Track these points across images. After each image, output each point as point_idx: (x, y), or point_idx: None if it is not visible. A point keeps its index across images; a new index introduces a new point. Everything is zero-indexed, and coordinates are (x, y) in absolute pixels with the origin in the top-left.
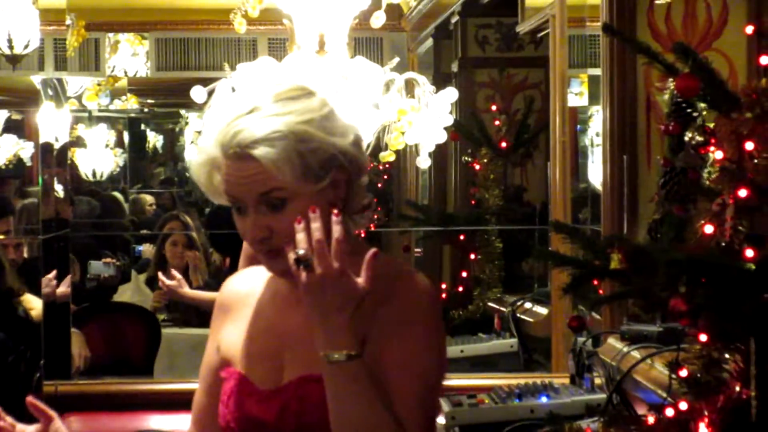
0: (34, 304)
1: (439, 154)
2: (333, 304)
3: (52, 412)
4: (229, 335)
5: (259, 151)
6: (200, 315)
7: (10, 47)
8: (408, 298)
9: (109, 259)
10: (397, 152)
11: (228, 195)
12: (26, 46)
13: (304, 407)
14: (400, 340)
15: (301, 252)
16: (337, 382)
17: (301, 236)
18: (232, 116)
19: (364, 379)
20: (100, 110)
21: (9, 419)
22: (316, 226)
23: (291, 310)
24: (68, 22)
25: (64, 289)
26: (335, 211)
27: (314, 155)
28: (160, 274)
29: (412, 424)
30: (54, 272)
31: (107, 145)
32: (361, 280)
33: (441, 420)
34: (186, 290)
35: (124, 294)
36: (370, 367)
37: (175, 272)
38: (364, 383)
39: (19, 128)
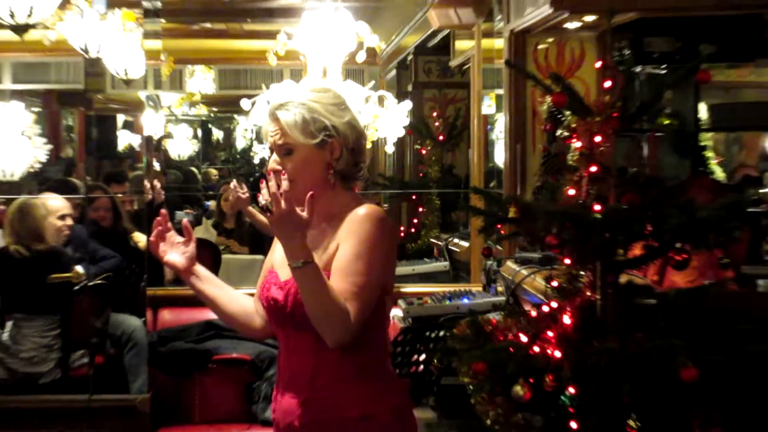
0: (140, 239)
1: (399, 143)
2: (287, 231)
3: (193, 236)
4: (276, 251)
5: (280, 114)
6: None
7: (126, 75)
8: (360, 219)
9: (188, 210)
10: (372, 142)
11: (268, 142)
12: (136, 74)
13: (297, 293)
14: (346, 246)
15: (262, 201)
16: (300, 280)
17: (264, 191)
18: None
19: (317, 277)
20: (182, 115)
21: (169, 224)
22: (272, 184)
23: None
24: (162, 57)
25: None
26: (284, 174)
27: (314, 123)
28: (233, 183)
29: (350, 307)
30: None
31: (187, 137)
32: (304, 214)
33: (400, 313)
34: (251, 208)
35: (197, 233)
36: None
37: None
38: (318, 279)
39: (131, 126)
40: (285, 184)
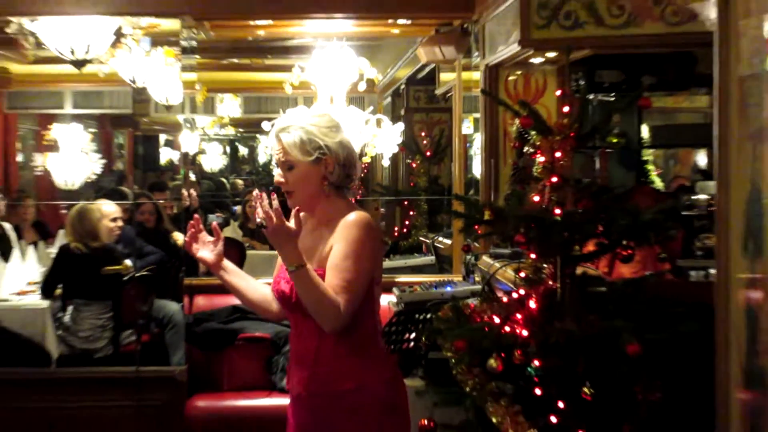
0: (179, 237)
1: (394, 158)
2: (280, 241)
3: (221, 236)
4: None
5: (282, 135)
6: (266, 243)
7: (167, 101)
8: (349, 224)
9: (218, 213)
10: (371, 157)
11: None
12: (175, 100)
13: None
14: (338, 247)
15: (258, 219)
16: (295, 280)
17: (259, 210)
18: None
19: (310, 278)
20: (214, 135)
21: (201, 227)
22: (265, 203)
23: (309, 234)
24: (197, 87)
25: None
26: (274, 195)
27: (310, 143)
28: (255, 193)
29: (341, 300)
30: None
31: (218, 153)
32: (293, 226)
33: (394, 299)
34: None
35: (226, 232)
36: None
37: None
38: (311, 280)
39: (171, 144)
40: (275, 203)
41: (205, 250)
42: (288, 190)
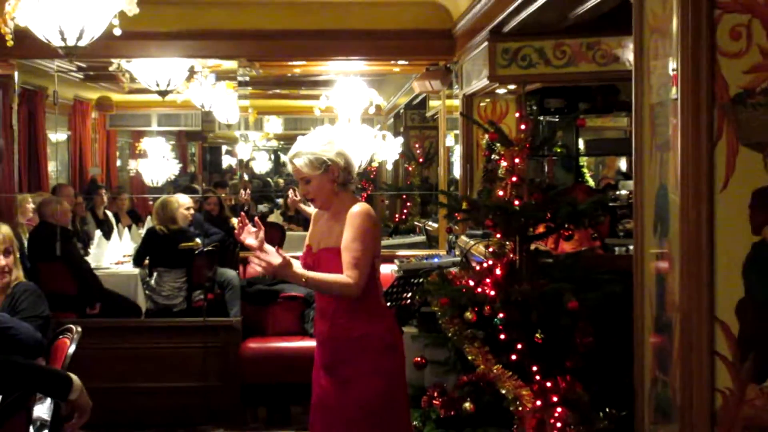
0: (235, 222)
1: (395, 163)
2: (281, 273)
3: (262, 227)
4: (312, 231)
5: (295, 160)
6: (301, 226)
7: (227, 121)
8: (354, 214)
9: (265, 204)
10: (379, 163)
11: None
12: (233, 120)
13: (322, 259)
14: (346, 233)
15: (259, 269)
16: (310, 287)
17: (255, 266)
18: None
19: (317, 280)
20: (262, 146)
21: (246, 220)
22: (255, 262)
23: (326, 221)
24: (249, 110)
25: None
26: (256, 219)
27: (316, 161)
28: (290, 192)
29: (351, 275)
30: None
31: (265, 160)
32: (280, 260)
33: (395, 267)
34: (301, 205)
35: (271, 219)
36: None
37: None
38: (319, 281)
39: (230, 153)
40: (259, 223)
41: (250, 238)
42: (311, 198)
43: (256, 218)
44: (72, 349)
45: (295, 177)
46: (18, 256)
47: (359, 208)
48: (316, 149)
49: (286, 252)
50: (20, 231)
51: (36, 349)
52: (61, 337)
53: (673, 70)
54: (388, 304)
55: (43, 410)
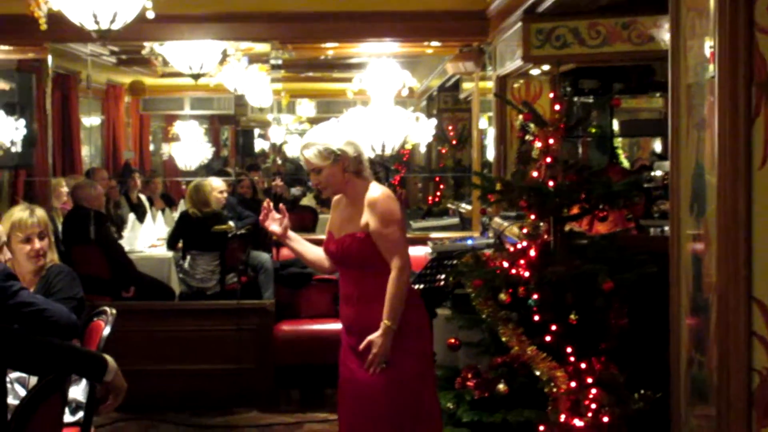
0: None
1: (428, 146)
2: (388, 346)
3: (286, 214)
4: (332, 217)
5: (305, 152)
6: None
7: (259, 105)
8: (376, 200)
9: (298, 187)
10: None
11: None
12: (266, 104)
13: (345, 245)
14: (373, 221)
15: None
16: (396, 320)
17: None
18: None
19: (392, 309)
20: (294, 129)
21: (272, 207)
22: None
23: (345, 208)
24: (282, 94)
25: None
26: (281, 206)
27: (325, 151)
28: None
29: (397, 260)
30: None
31: (298, 143)
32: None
33: (429, 250)
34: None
35: (304, 201)
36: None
37: None
38: (392, 307)
39: (263, 137)
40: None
41: (275, 225)
42: (322, 188)
43: (281, 205)
44: (107, 331)
45: (306, 168)
46: (53, 239)
47: (377, 192)
48: (325, 140)
49: (319, 235)
50: (54, 215)
51: (71, 330)
52: (95, 319)
53: (711, 48)
54: (422, 286)
55: (78, 392)
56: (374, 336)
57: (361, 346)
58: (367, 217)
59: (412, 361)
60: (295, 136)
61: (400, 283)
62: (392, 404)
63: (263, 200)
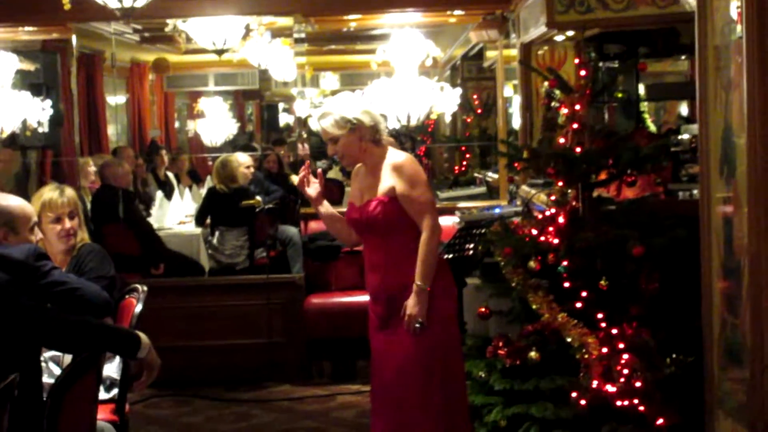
0: (295, 179)
1: (454, 115)
2: (424, 305)
3: (323, 180)
4: (353, 189)
5: (321, 121)
6: None
7: (283, 79)
8: (399, 164)
9: (324, 161)
10: (437, 115)
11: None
12: (290, 78)
13: (370, 210)
14: (399, 182)
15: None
16: (428, 282)
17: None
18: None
19: (424, 270)
20: (319, 103)
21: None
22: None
23: (365, 177)
24: (306, 67)
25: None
26: (321, 177)
27: (342, 120)
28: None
29: (428, 220)
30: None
31: None
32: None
33: (457, 219)
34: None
35: (330, 174)
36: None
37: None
38: (424, 269)
39: (287, 111)
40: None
41: (312, 189)
42: (339, 157)
43: (318, 171)
44: (139, 308)
45: (324, 138)
46: (83, 218)
47: (400, 157)
48: (340, 109)
49: (345, 207)
50: (83, 194)
51: (104, 308)
52: (127, 297)
53: (738, 8)
54: (451, 255)
55: (112, 369)
56: (409, 300)
57: (402, 313)
58: (391, 182)
59: (439, 326)
60: (318, 109)
61: (431, 243)
62: (424, 372)
63: (289, 174)
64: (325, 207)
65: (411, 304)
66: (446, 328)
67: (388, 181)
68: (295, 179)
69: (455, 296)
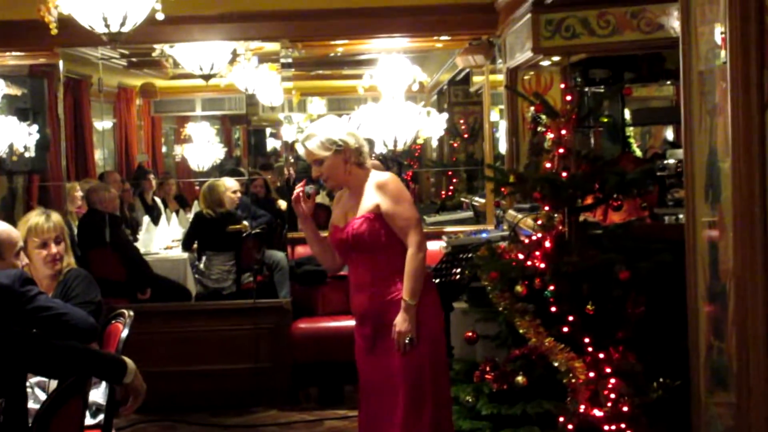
0: (282, 204)
1: (440, 140)
2: (412, 323)
3: (315, 199)
4: (335, 213)
5: (307, 143)
6: None
7: (271, 104)
8: (384, 183)
9: (311, 185)
10: (424, 140)
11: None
12: (277, 102)
13: (355, 227)
14: (383, 200)
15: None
16: (415, 299)
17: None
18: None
19: (411, 287)
20: (306, 127)
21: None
22: None
23: (349, 199)
24: (293, 92)
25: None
26: (314, 196)
27: (327, 141)
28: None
29: (413, 236)
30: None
31: None
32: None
33: (444, 243)
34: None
35: (317, 200)
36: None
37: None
38: (411, 286)
39: (275, 135)
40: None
41: (305, 205)
42: (324, 179)
43: (312, 192)
44: (125, 333)
45: (308, 160)
46: (69, 243)
47: (384, 177)
48: (325, 131)
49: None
50: (70, 219)
51: (90, 334)
52: (113, 321)
53: (722, 33)
54: (438, 280)
55: (98, 395)
56: (398, 317)
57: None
58: (376, 199)
59: (428, 346)
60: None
61: (418, 258)
62: (414, 391)
63: (277, 199)
64: (312, 226)
65: (400, 321)
66: (435, 348)
67: (372, 199)
68: (282, 204)
69: (442, 316)
